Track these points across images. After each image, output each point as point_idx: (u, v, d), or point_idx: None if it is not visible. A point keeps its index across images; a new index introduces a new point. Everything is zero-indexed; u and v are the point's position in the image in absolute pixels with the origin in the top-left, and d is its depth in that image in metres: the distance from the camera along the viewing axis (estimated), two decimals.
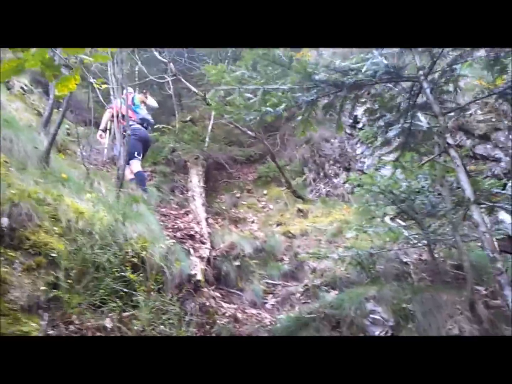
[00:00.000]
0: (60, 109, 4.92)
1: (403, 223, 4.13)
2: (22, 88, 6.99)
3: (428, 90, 2.54)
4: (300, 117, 2.83)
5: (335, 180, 7.96)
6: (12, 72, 2.17)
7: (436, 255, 4.23)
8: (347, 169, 7.86)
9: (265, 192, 7.95)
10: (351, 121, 7.63)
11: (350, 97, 2.76)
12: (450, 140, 2.43)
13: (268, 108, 2.68)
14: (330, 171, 8.09)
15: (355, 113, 7.22)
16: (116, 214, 3.39)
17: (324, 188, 7.70)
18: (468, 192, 2.33)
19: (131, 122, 5.91)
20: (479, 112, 5.56)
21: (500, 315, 3.01)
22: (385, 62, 2.39)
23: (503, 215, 4.84)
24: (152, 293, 2.83)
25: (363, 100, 4.92)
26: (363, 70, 2.37)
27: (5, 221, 2.70)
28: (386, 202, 3.82)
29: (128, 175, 5.74)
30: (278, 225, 6.34)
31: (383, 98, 2.81)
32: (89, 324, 2.46)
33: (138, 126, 6.23)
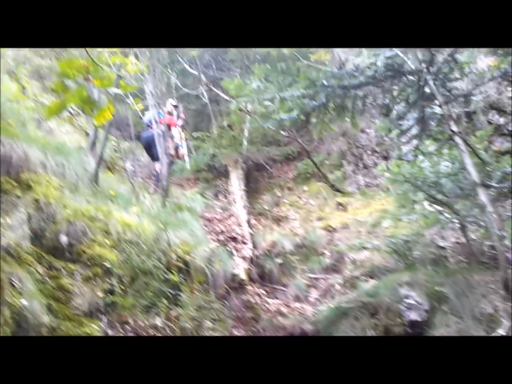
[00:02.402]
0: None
1: (436, 208, 4.17)
2: (69, 112, 7.58)
3: (431, 82, 2.65)
4: (314, 120, 3.01)
5: (374, 170, 7.98)
6: (57, 110, 2.54)
7: (473, 237, 4.23)
8: (385, 158, 7.85)
9: (305, 188, 8.10)
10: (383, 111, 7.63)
11: (360, 96, 2.91)
12: (454, 128, 2.53)
13: (282, 116, 2.89)
14: (369, 161, 8.11)
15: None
16: (159, 223, 3.73)
17: (363, 179, 7.75)
18: (474, 176, 2.43)
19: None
20: (509, 88, 5.44)
21: None
22: (383, 62, 2.53)
23: None
24: (196, 292, 3.12)
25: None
26: (366, 73, 2.53)
27: (64, 238, 3.11)
28: (414, 189, 3.91)
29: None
30: (318, 220, 6.49)
31: (392, 93, 2.94)
32: (141, 324, 2.79)
33: (146, 130, 6.98)
